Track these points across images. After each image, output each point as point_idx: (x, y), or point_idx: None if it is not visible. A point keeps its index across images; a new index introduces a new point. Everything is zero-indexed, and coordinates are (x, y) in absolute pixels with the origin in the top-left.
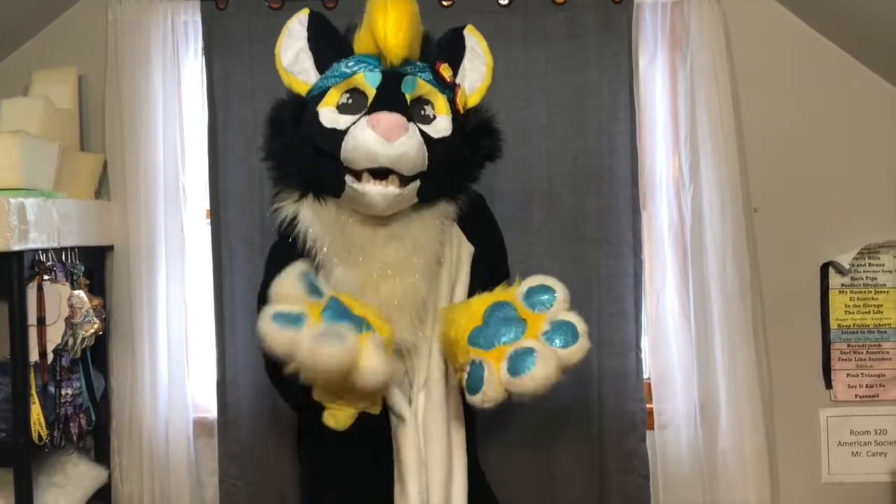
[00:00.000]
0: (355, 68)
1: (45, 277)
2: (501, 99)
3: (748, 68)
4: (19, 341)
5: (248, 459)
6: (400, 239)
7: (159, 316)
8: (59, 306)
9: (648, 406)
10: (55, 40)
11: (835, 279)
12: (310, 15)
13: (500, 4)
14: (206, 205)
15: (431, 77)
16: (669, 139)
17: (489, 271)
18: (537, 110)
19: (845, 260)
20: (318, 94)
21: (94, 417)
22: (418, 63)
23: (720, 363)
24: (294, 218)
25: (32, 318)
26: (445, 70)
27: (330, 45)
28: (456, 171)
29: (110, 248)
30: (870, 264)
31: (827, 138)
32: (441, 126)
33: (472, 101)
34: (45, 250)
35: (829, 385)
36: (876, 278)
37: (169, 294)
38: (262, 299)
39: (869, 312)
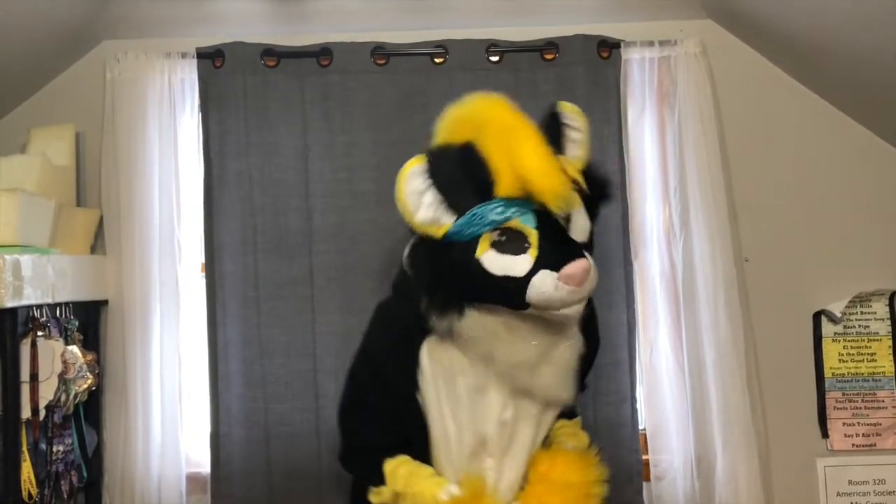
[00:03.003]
0: (506, 214)
1: (39, 333)
2: None
3: (735, 120)
4: (11, 398)
5: None
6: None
7: (153, 370)
8: (53, 362)
9: (644, 457)
10: (54, 98)
11: (827, 327)
12: (428, 160)
13: (490, 61)
14: (201, 258)
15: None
16: (659, 190)
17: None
18: None
19: (837, 308)
20: (466, 241)
21: (85, 474)
22: None
23: (715, 413)
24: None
25: (25, 375)
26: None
27: (458, 181)
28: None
29: (105, 302)
30: (862, 312)
31: (815, 187)
32: (582, 223)
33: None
34: (39, 306)
35: (825, 434)
36: (868, 326)
37: (163, 348)
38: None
39: (863, 361)
